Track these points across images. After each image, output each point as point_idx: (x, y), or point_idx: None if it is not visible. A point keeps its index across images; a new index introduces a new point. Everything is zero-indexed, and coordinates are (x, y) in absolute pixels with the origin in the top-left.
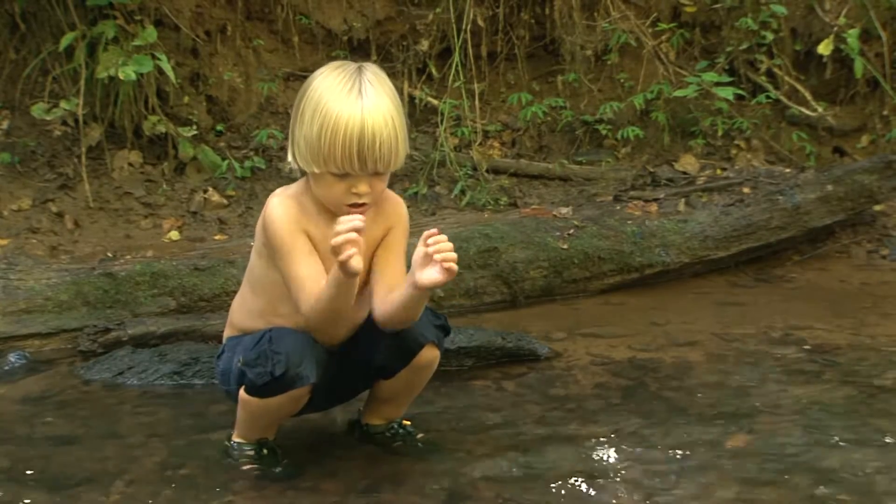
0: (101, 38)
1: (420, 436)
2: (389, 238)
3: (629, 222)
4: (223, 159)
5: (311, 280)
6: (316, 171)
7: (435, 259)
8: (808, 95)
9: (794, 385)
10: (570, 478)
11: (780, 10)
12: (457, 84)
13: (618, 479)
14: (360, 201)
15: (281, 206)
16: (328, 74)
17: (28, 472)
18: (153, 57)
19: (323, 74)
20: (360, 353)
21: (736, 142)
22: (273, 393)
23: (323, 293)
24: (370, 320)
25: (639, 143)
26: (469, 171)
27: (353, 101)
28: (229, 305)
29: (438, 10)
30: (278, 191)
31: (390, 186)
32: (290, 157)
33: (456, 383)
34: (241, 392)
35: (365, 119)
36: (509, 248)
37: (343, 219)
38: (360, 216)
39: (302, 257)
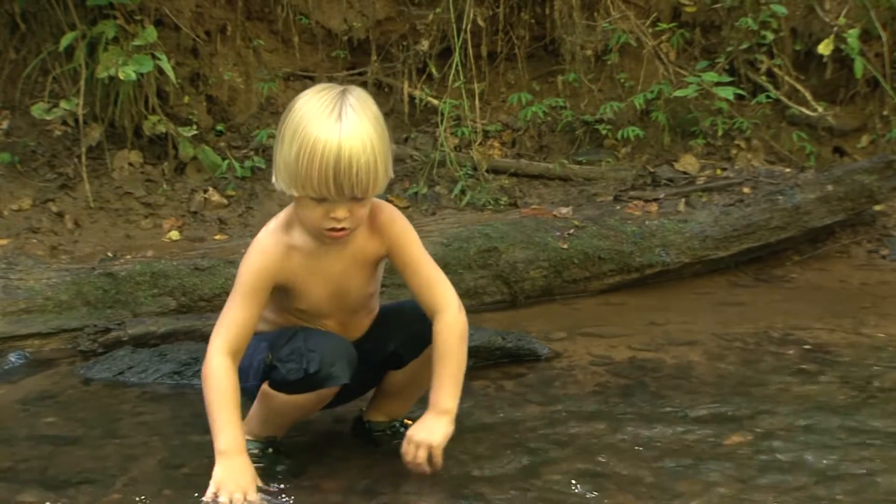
0: (101, 38)
1: None
2: (400, 254)
3: (629, 222)
4: (223, 159)
5: (236, 325)
6: (295, 194)
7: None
8: (808, 95)
9: (793, 385)
10: (570, 478)
11: (780, 10)
12: (457, 84)
13: (618, 479)
14: (339, 226)
15: (261, 254)
16: (311, 97)
17: (28, 472)
18: (153, 57)
19: (306, 96)
20: (373, 344)
21: (736, 142)
22: (303, 389)
23: (226, 402)
24: (381, 315)
25: (639, 143)
26: (469, 171)
27: (331, 124)
28: None
29: (438, 10)
30: (272, 223)
31: (391, 186)
32: (273, 179)
33: None
34: (265, 387)
35: (342, 144)
36: (509, 248)
37: None
38: None
39: (244, 302)
